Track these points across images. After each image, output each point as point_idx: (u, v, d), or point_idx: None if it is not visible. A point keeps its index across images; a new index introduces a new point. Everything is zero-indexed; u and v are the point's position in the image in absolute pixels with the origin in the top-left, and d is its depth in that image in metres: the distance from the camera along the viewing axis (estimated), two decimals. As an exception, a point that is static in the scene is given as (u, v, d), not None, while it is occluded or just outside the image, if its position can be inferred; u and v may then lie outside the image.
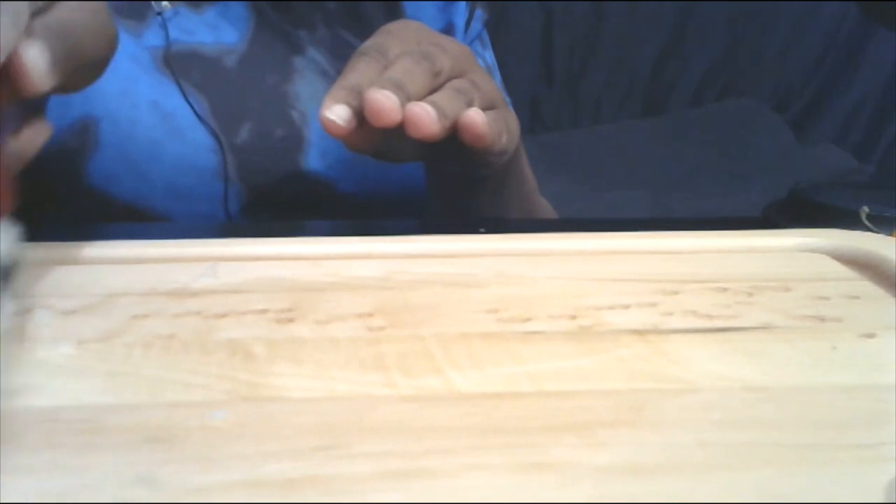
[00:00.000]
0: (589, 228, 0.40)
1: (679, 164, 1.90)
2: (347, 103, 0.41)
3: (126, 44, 0.52)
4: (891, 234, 0.42)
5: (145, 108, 0.53)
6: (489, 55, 0.67)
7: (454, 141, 0.43)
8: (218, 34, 0.57)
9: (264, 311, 0.31)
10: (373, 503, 0.20)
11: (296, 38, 0.59)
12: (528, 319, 0.30)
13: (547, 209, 0.62)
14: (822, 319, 0.31)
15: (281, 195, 0.56)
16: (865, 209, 0.44)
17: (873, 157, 2.03)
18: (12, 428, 0.23)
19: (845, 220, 0.44)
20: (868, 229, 0.43)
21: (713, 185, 1.79)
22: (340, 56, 0.60)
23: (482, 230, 0.41)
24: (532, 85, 2.13)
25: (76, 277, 0.34)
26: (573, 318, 0.31)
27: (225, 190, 0.55)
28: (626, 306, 0.32)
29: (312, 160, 0.57)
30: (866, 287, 0.34)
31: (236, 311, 0.31)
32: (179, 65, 0.55)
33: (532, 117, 2.14)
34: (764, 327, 0.30)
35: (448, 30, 0.63)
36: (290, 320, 0.30)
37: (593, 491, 0.21)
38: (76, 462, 0.21)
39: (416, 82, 0.42)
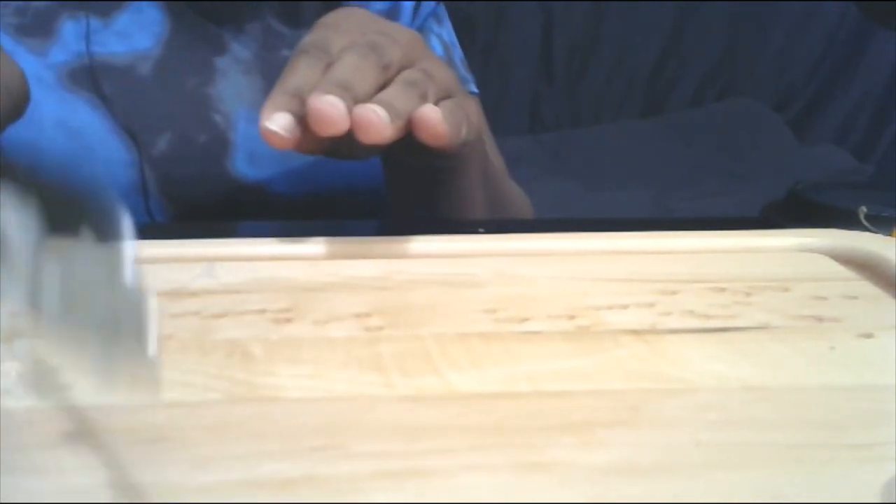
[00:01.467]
0: (588, 228, 0.40)
1: (679, 164, 1.90)
2: (289, 110, 0.37)
3: (29, 64, 0.50)
4: (889, 234, 0.42)
5: (51, 130, 0.51)
6: (447, 32, 0.63)
7: (411, 134, 0.39)
8: (130, 42, 0.54)
9: (262, 312, 0.31)
10: (371, 503, 0.20)
11: (218, 37, 0.56)
12: (527, 319, 0.30)
13: (518, 194, 0.59)
14: (820, 319, 0.31)
15: (209, 204, 0.54)
16: (864, 209, 0.44)
17: (873, 157, 2.03)
18: (12, 428, 0.23)
19: (844, 220, 0.44)
20: (867, 229, 0.43)
21: (713, 185, 1.79)
22: (272, 48, 0.57)
23: (481, 230, 0.41)
24: (532, 85, 2.13)
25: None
26: (571, 318, 0.31)
27: (146, 204, 0.53)
28: (625, 306, 0.32)
29: (240, 164, 0.54)
30: (864, 287, 0.34)
31: (234, 311, 0.31)
32: (89, 78, 0.52)
33: (532, 117, 2.14)
34: (762, 327, 0.30)
35: (394, 9, 0.60)
36: (289, 320, 0.30)
37: (591, 491, 0.21)
38: (76, 462, 0.21)
39: (364, 79, 0.38)
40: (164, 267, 0.35)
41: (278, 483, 0.21)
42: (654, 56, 2.13)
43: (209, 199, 0.54)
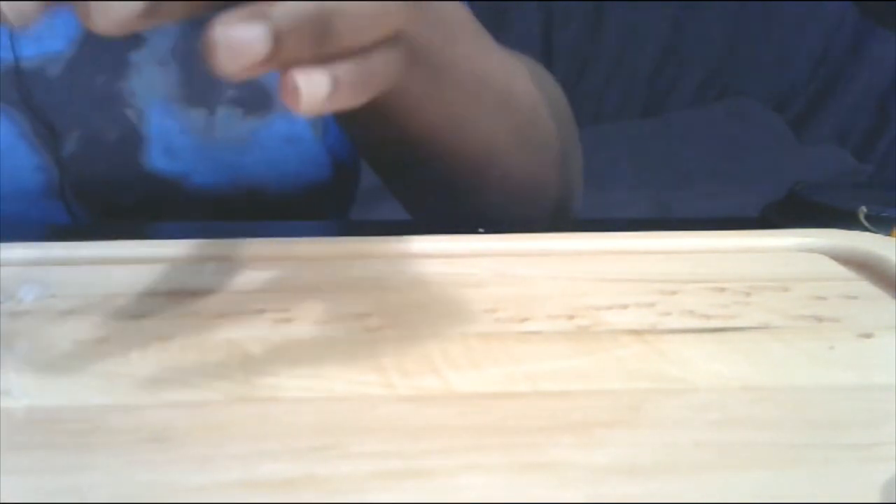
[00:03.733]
0: (588, 228, 0.40)
1: (679, 164, 1.90)
2: None
3: None
4: (889, 234, 0.42)
5: None
6: None
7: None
8: (40, 45, 0.53)
9: (262, 312, 0.31)
10: (371, 503, 0.20)
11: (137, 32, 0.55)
12: (526, 319, 0.30)
13: (509, 60, 0.50)
14: (819, 319, 0.31)
15: (127, 202, 0.53)
16: (864, 209, 0.44)
17: (873, 157, 2.03)
18: (12, 428, 0.23)
19: (844, 220, 0.44)
20: (866, 229, 0.43)
21: (713, 185, 1.78)
22: (194, 36, 0.55)
23: (481, 230, 0.41)
24: (532, 85, 2.13)
25: (75, 277, 0.34)
26: (571, 317, 0.31)
27: (66, 208, 0.52)
28: (625, 306, 0.32)
29: (156, 158, 0.53)
30: (864, 287, 0.34)
31: (234, 311, 0.31)
32: None
33: (532, 117, 2.14)
34: (762, 327, 0.30)
35: None
36: (288, 320, 0.30)
37: (590, 491, 0.21)
38: (76, 462, 0.21)
39: None
40: (164, 267, 0.35)
41: (278, 483, 0.21)
42: (654, 56, 2.13)
43: (126, 197, 0.53)
